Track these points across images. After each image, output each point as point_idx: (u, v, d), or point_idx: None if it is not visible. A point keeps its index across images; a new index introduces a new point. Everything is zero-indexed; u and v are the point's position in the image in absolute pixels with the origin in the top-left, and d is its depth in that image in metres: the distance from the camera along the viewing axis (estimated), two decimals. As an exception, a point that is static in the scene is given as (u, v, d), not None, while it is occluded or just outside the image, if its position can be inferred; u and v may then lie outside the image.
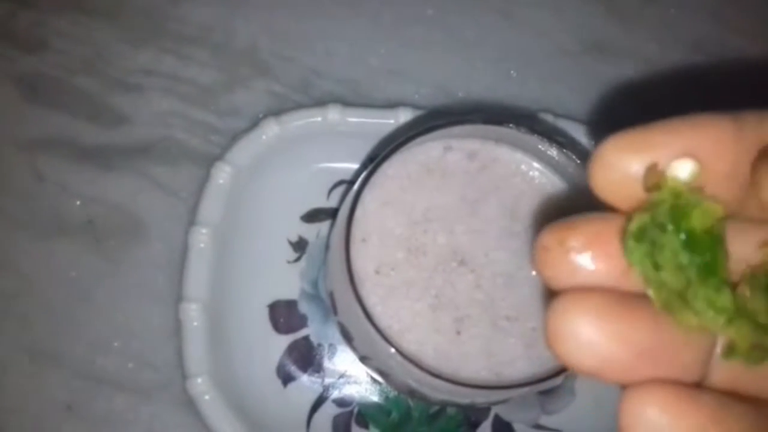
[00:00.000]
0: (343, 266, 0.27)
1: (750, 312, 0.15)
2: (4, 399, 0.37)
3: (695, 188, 0.15)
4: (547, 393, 0.37)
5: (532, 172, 0.29)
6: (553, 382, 0.27)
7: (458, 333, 0.28)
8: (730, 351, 0.15)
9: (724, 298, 0.15)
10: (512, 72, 0.42)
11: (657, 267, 0.15)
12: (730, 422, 0.14)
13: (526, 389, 0.27)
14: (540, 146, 0.28)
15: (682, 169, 0.14)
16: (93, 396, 0.37)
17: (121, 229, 0.39)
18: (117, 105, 0.40)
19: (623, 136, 0.15)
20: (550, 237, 0.16)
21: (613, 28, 0.43)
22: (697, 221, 0.14)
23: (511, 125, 0.28)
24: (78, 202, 0.39)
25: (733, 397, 0.15)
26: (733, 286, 0.15)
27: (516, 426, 0.37)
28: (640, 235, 0.15)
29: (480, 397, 0.29)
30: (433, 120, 0.31)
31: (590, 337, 0.15)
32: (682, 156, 0.14)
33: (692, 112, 0.15)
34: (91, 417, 0.37)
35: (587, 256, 0.15)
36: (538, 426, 0.37)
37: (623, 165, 0.15)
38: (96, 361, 0.37)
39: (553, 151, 0.28)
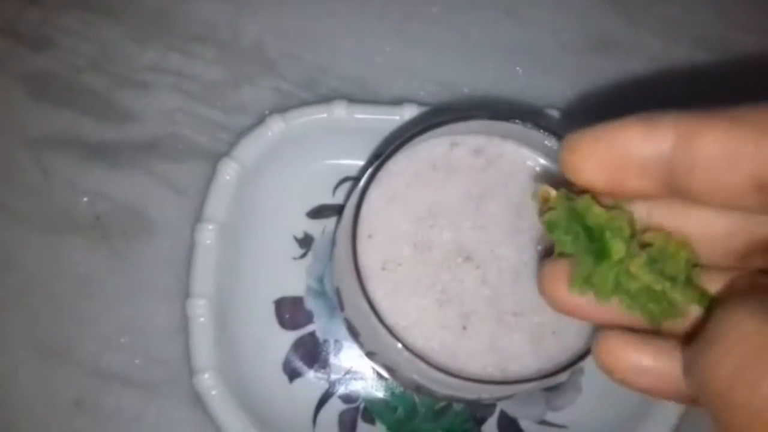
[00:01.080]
0: (349, 262, 0.27)
1: (645, 284, 0.20)
2: (12, 395, 0.37)
3: (587, 197, 0.21)
4: (553, 389, 0.37)
5: (538, 168, 0.29)
6: (559, 377, 0.27)
7: (464, 328, 0.28)
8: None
9: (608, 275, 0.20)
10: (518, 68, 0.42)
11: (576, 250, 0.21)
12: (665, 359, 0.20)
13: (531, 385, 0.27)
14: (546, 142, 0.28)
15: (551, 192, 0.22)
16: (101, 392, 0.37)
17: (128, 226, 0.39)
18: (123, 102, 0.40)
19: (583, 132, 0.20)
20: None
21: (618, 25, 0.43)
22: (590, 220, 0.21)
23: (517, 121, 0.28)
24: (85, 199, 0.39)
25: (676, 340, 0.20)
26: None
27: (522, 422, 0.37)
28: (551, 226, 0.21)
29: (486, 393, 0.29)
30: (439, 116, 0.31)
31: (560, 291, 0.22)
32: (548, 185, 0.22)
33: (695, 108, 0.18)
34: (99, 413, 0.37)
35: None
36: (543, 422, 0.37)
37: (583, 155, 0.20)
38: (104, 357, 0.37)
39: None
